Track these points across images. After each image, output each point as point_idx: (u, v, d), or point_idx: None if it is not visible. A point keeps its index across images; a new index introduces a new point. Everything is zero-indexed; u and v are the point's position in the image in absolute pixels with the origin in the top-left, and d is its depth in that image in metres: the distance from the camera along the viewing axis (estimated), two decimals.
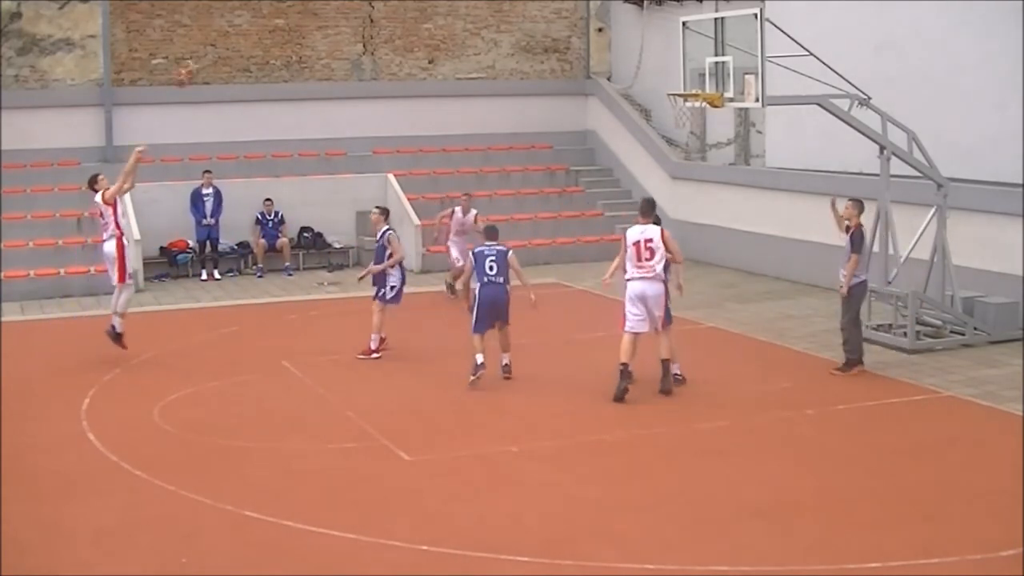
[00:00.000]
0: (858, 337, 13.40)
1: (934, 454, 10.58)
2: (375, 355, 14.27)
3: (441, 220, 18.42)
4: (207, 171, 21.25)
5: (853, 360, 13.21)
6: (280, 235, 21.45)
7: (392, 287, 14.32)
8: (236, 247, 21.48)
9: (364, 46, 24.78)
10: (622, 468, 10.22)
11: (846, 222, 13.33)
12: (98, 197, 14.22)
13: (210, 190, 20.99)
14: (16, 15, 22.37)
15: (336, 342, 15.31)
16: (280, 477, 10.05)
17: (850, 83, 14.31)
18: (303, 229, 22.06)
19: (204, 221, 20.84)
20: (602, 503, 9.33)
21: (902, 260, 14.49)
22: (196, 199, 20.98)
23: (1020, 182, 15.60)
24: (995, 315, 14.67)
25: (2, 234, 20.11)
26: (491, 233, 13.59)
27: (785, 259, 19.49)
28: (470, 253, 13.74)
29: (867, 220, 14.53)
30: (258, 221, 21.43)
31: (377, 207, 14.92)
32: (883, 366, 13.47)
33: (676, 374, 12.73)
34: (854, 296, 13.20)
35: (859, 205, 13.36)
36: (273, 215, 21.48)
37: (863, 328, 13.76)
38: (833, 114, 14.15)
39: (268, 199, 21.54)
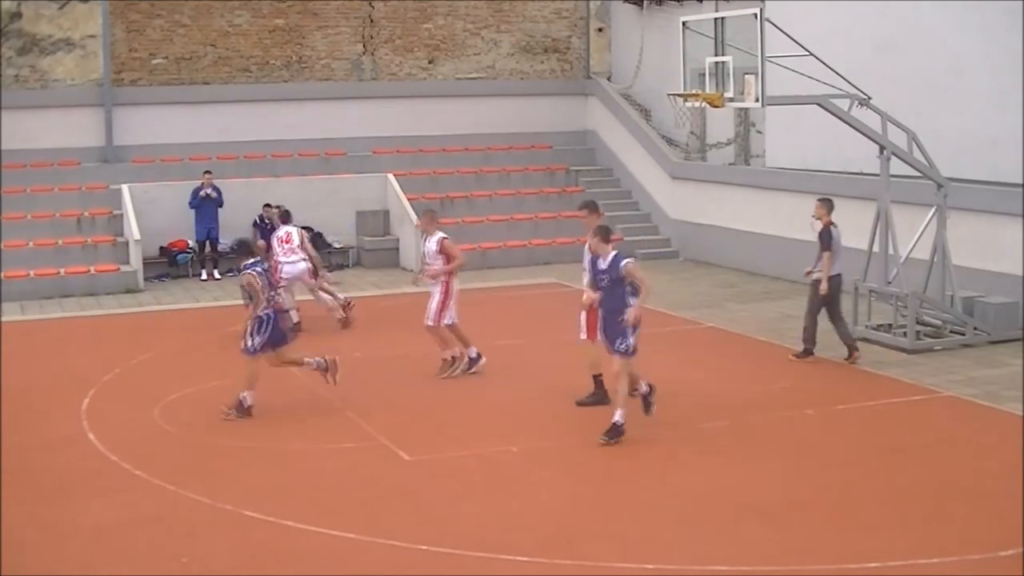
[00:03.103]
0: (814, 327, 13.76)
1: (934, 454, 10.57)
2: None
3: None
4: (207, 171, 21.22)
5: (809, 349, 13.67)
6: None
7: None
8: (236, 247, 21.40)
9: (364, 46, 24.78)
10: (622, 468, 10.21)
11: (816, 220, 13.65)
12: None
13: (210, 190, 20.96)
14: (16, 15, 22.36)
15: (336, 343, 15.30)
16: (280, 477, 10.05)
17: (850, 83, 14.31)
18: (303, 229, 21.98)
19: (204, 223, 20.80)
20: (602, 503, 9.33)
21: (902, 260, 14.48)
22: (196, 199, 20.95)
23: (1020, 182, 15.60)
24: (995, 315, 14.68)
25: (2, 234, 20.11)
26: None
27: (785, 259, 19.45)
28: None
29: (867, 220, 14.64)
30: (256, 224, 21.36)
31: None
32: (883, 366, 13.46)
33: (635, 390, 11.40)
34: (821, 291, 13.51)
35: (828, 203, 13.71)
36: (270, 221, 21.31)
37: (849, 326, 13.95)
38: (833, 114, 14.14)
39: (267, 204, 21.37)
